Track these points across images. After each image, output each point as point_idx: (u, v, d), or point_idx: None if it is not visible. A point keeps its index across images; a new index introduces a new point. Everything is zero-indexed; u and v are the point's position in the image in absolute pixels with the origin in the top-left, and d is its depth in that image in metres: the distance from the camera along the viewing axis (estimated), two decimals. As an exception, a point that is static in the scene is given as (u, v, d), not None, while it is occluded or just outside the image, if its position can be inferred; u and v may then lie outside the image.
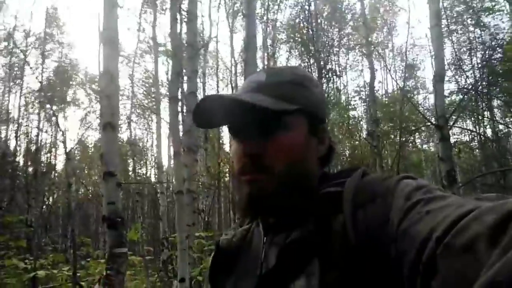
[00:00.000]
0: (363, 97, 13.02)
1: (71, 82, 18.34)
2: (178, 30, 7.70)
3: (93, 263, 7.33)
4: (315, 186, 0.68)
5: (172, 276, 6.60)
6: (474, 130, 11.64)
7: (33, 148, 16.34)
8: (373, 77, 8.88)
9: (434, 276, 0.42)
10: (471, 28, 12.34)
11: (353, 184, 0.62)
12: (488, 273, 0.34)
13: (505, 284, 0.32)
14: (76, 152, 18.80)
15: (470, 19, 12.30)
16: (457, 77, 11.99)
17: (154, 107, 14.92)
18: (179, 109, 8.16)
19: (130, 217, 14.75)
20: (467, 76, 9.44)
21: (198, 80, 10.24)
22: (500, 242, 0.37)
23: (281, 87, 0.68)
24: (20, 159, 16.69)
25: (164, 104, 15.23)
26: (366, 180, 0.63)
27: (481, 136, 10.68)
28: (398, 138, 10.66)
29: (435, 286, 0.42)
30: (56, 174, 17.98)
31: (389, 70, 12.56)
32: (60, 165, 18.88)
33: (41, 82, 15.41)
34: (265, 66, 14.60)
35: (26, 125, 17.25)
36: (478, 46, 11.99)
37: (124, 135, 17.30)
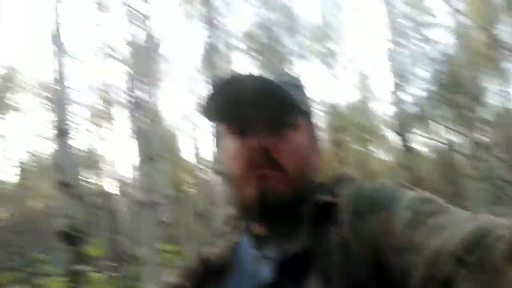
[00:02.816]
0: (323, 106, 13.37)
1: (10, 85, 17.19)
2: (131, 32, 7.51)
3: (51, 281, 6.89)
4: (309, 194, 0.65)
5: (136, 293, 6.33)
6: (432, 138, 12.21)
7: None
8: (332, 86, 9.13)
9: None
10: (419, 43, 13.11)
11: (349, 193, 0.60)
12: None
13: None
14: (26, 162, 17.67)
15: (417, 34, 13.08)
16: (412, 88, 12.67)
17: (110, 113, 14.38)
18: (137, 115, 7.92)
19: (87, 230, 14.02)
20: (422, 88, 10.00)
21: (154, 85, 10.03)
22: None
23: (289, 87, 0.63)
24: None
25: (120, 110, 14.74)
26: (363, 189, 0.61)
27: (437, 145, 11.28)
28: (357, 146, 11.05)
29: None
30: (7, 186, 16.72)
31: (348, 80, 13.00)
32: (8, 176, 17.64)
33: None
34: (225, 72, 14.63)
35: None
36: (429, 60, 12.74)
37: (79, 143, 16.44)
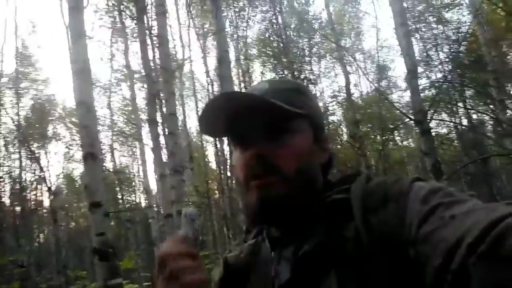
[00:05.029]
0: (340, 101, 13.33)
1: (49, 118, 18.16)
2: (151, 55, 7.82)
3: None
4: (321, 193, 0.66)
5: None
6: (451, 121, 11.89)
7: (17, 187, 16.07)
8: (347, 81, 9.14)
9: (465, 285, 0.41)
10: (434, 25, 12.83)
11: (359, 189, 0.61)
12: None
13: None
14: (62, 186, 18.53)
15: (431, 16, 12.81)
16: (427, 72, 12.42)
17: (136, 133, 14.95)
18: (161, 131, 8.25)
19: (124, 246, 14.56)
20: (439, 70, 9.77)
21: (176, 102, 10.36)
22: None
23: (285, 93, 0.67)
24: (6, 200, 16.45)
25: (146, 130, 15.29)
26: (373, 184, 0.62)
27: (458, 127, 11.00)
28: (379, 137, 10.93)
29: None
30: (45, 211, 17.62)
31: (364, 73, 12.92)
32: (47, 201, 18.62)
33: (17, 121, 15.20)
34: (241, 82, 14.82)
35: (8, 165, 16.91)
36: (443, 42, 12.45)
37: (109, 164, 17.17)
